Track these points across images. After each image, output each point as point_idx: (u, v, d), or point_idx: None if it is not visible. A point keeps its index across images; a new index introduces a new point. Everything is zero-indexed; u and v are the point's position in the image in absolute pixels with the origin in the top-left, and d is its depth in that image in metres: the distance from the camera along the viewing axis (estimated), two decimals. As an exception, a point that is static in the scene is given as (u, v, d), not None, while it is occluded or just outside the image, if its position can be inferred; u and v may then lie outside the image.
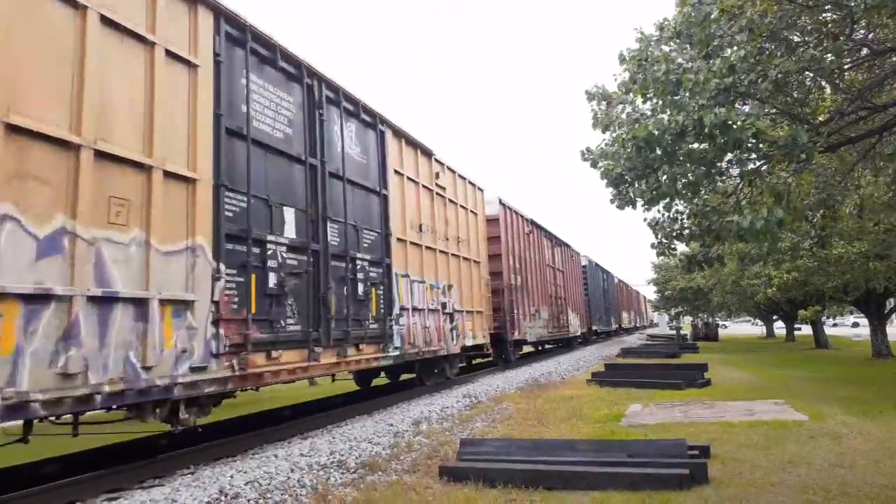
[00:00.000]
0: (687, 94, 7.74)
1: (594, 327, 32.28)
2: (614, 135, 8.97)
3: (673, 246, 10.85)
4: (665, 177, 8.52)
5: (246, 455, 6.89)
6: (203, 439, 7.65)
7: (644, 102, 9.10)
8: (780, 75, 7.64)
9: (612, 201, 9.51)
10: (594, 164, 9.31)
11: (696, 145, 8.24)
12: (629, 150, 8.42)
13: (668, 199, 9.29)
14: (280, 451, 6.72)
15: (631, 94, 9.04)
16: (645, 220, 10.64)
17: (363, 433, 7.71)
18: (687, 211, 10.26)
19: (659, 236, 10.73)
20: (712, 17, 7.92)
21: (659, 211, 10.15)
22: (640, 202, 9.20)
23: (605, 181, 9.28)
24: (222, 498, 4.96)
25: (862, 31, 8.78)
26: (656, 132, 7.84)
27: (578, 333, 27.53)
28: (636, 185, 8.92)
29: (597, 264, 35.45)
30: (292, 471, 5.83)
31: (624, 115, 9.02)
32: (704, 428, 7.78)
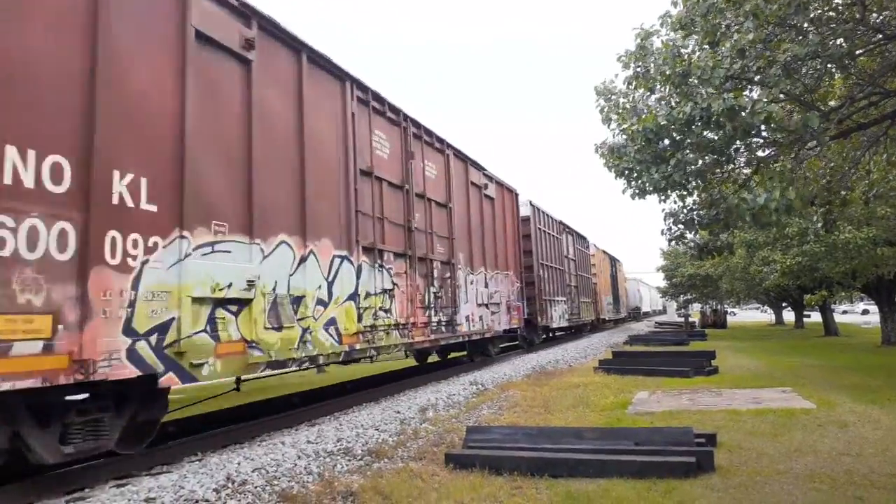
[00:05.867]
0: (696, 82, 7.66)
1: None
2: (622, 127, 8.94)
3: (685, 236, 10.87)
4: (673, 164, 8.47)
5: (253, 442, 6.93)
6: (211, 426, 7.70)
7: (650, 96, 9.06)
8: (789, 59, 7.54)
9: (624, 191, 9.49)
10: (606, 162, 9.34)
11: (706, 133, 8.17)
12: (639, 142, 8.38)
13: (679, 189, 9.25)
14: (287, 439, 6.76)
15: (636, 88, 9.01)
16: (662, 210, 10.65)
17: (370, 420, 7.74)
18: (699, 200, 10.25)
19: (672, 226, 10.75)
20: (719, 6, 7.83)
21: (674, 202, 10.15)
22: (650, 190, 9.16)
23: (615, 174, 9.28)
24: (229, 485, 4.99)
25: (875, 16, 8.63)
26: (664, 122, 7.79)
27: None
28: (648, 174, 8.88)
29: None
30: (299, 458, 5.87)
31: (629, 107, 8.99)
32: (711, 416, 7.77)
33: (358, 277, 8.71)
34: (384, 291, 9.40)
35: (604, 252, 35.52)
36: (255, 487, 4.99)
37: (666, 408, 8.48)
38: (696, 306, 52.14)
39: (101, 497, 4.76)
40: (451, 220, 12.40)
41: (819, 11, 8.42)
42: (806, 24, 8.11)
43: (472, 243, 13.60)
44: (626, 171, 9.03)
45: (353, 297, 8.53)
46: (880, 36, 8.53)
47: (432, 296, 11.13)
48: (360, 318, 8.60)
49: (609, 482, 5.03)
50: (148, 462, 5.95)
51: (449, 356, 16.09)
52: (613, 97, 9.32)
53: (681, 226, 10.86)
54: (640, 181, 9.00)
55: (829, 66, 8.60)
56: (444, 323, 11.58)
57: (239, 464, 5.57)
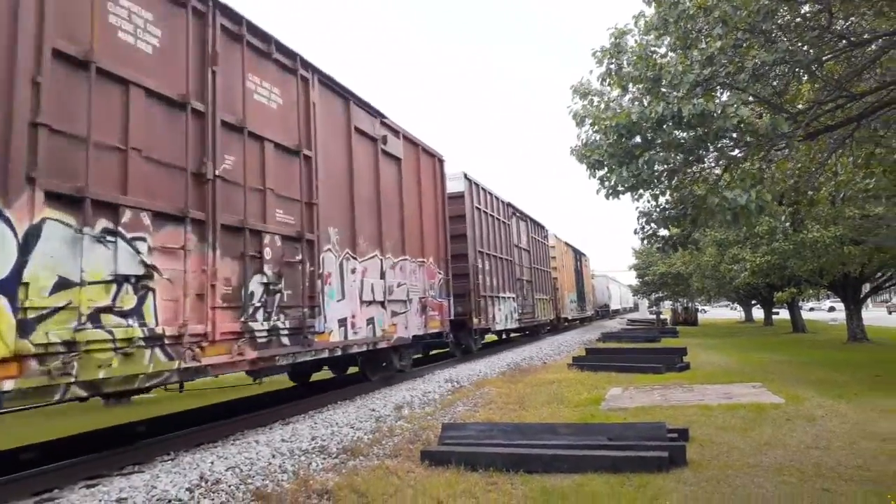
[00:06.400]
0: (664, 87, 7.81)
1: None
2: (595, 128, 9.01)
3: (658, 234, 11.02)
4: (643, 162, 8.58)
5: (227, 441, 6.86)
6: (183, 425, 7.60)
7: (623, 95, 9.17)
8: (757, 64, 7.71)
9: (598, 192, 9.56)
10: (579, 156, 9.40)
11: (677, 133, 8.29)
12: (611, 137, 8.47)
13: (650, 188, 9.37)
14: (261, 437, 6.70)
15: (609, 87, 9.11)
16: (636, 209, 10.77)
17: (345, 418, 7.71)
18: (670, 200, 10.41)
19: (644, 225, 10.90)
20: (689, 13, 7.96)
21: (648, 201, 10.30)
22: (622, 190, 9.24)
23: (587, 169, 9.34)
24: (203, 483, 4.93)
25: (840, 23, 8.84)
26: (636, 119, 7.89)
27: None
28: (619, 172, 8.97)
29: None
30: (273, 456, 5.82)
31: (602, 106, 9.09)
32: (683, 411, 7.88)
33: (25, 252, 4.65)
34: (121, 280, 5.43)
35: (566, 244, 32.31)
36: (229, 486, 4.95)
37: (639, 403, 8.58)
38: (668, 304, 52.87)
39: (71, 497, 4.68)
40: (310, 176, 8.59)
41: (787, 18, 8.60)
42: (774, 30, 8.27)
43: (358, 215, 9.81)
44: (597, 164, 9.08)
45: (6, 286, 4.49)
46: (845, 42, 8.73)
47: (261, 289, 7.29)
48: (24, 330, 4.58)
49: (583, 477, 5.07)
50: (119, 462, 5.86)
51: (348, 371, 12.44)
52: (589, 96, 9.40)
53: (653, 224, 11.02)
54: (611, 179, 9.09)
55: (797, 70, 8.78)
56: (286, 331, 7.65)
57: (212, 463, 5.52)
